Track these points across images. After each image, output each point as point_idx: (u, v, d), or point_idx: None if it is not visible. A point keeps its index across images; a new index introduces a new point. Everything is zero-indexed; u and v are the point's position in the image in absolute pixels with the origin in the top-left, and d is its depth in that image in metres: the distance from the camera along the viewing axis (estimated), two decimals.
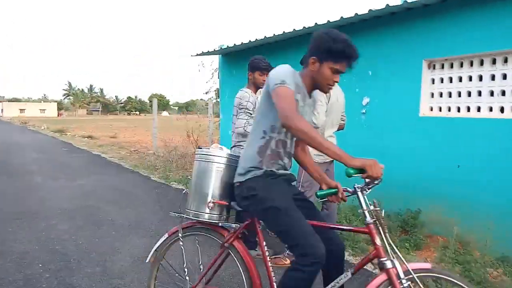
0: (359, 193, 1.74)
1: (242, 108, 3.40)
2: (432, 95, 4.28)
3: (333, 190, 1.88)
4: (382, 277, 1.62)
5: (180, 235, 2.02)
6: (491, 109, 3.80)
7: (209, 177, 1.95)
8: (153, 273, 2.09)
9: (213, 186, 1.97)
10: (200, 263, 2.08)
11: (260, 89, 3.56)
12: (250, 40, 6.18)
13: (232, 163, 1.99)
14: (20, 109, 74.94)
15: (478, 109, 3.90)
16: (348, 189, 1.86)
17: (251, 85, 3.53)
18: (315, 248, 1.63)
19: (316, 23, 4.99)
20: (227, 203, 1.99)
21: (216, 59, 9.83)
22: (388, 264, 1.61)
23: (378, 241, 1.66)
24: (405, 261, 1.64)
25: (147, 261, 2.06)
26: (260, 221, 1.91)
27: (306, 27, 5.13)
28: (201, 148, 2.07)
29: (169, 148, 9.77)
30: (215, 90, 11.99)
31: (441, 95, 4.21)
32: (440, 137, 4.06)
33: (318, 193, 1.87)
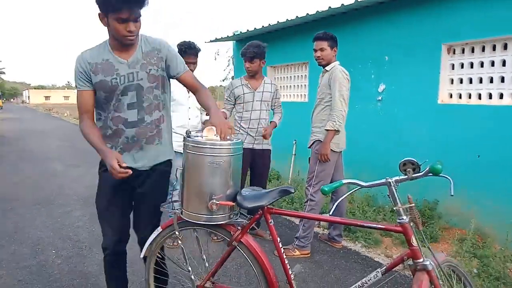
0: (393, 188, 1.60)
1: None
2: (452, 81, 4.07)
3: (340, 183, 1.75)
4: (426, 279, 1.53)
5: (177, 233, 1.84)
6: None
7: (207, 174, 1.69)
8: (150, 265, 1.99)
9: (214, 184, 1.71)
10: (202, 254, 2.01)
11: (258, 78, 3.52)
12: (263, 26, 6.05)
13: (236, 152, 1.75)
14: (45, 96, 76.87)
15: (501, 96, 3.69)
16: (359, 182, 1.71)
17: None
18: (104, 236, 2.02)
19: (329, 7, 4.81)
20: (234, 202, 1.76)
21: (231, 47, 9.73)
22: (430, 266, 1.53)
23: (414, 241, 1.55)
24: (436, 258, 1.59)
25: (141, 256, 1.97)
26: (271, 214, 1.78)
27: (320, 11, 4.96)
28: (189, 135, 1.74)
29: None
30: (231, 77, 11.92)
31: (461, 81, 4.01)
32: (459, 125, 3.88)
33: (325, 189, 1.72)
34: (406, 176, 1.58)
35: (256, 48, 3.38)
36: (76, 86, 1.83)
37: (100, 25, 1.77)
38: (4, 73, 75.14)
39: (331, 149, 3.20)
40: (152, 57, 1.86)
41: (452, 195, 1.49)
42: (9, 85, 79.63)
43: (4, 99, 65.11)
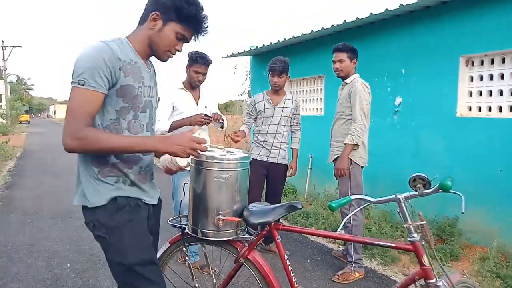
0: (403, 205, 1.54)
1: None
2: (471, 94, 3.97)
3: (348, 199, 1.71)
4: None
5: (184, 249, 1.82)
6: None
7: (213, 188, 1.66)
8: None
9: (220, 199, 1.67)
10: (210, 270, 2.00)
11: (278, 92, 3.51)
12: (278, 40, 6.09)
13: (244, 167, 1.71)
14: None
15: None
16: (368, 198, 1.67)
17: None
18: None
19: (344, 21, 4.80)
20: (241, 218, 1.71)
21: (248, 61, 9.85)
22: (442, 286, 1.48)
23: (426, 261, 1.49)
24: (450, 278, 1.52)
25: None
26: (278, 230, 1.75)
27: (335, 25, 4.96)
28: None
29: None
30: (248, 92, 12.02)
31: (480, 93, 3.90)
32: (479, 139, 3.75)
33: (333, 205, 1.67)
34: (416, 192, 1.52)
35: (283, 63, 3.39)
36: (84, 83, 1.32)
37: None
38: (32, 89, 78.09)
39: (356, 163, 3.11)
40: (154, 76, 1.63)
41: (463, 213, 1.43)
42: (37, 101, 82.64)
43: (32, 114, 67.55)
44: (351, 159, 3.10)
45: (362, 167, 3.19)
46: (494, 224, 3.56)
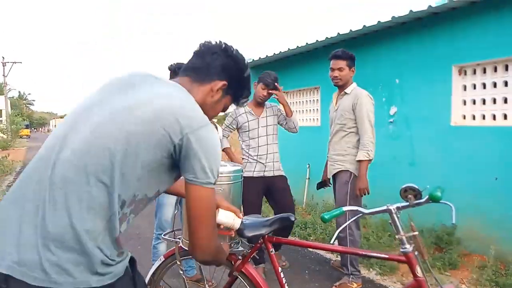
0: (394, 216, 1.55)
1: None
2: (465, 102, 4.01)
3: (341, 211, 1.73)
4: None
5: (178, 262, 1.80)
6: None
7: None
8: None
9: None
10: (205, 283, 2.01)
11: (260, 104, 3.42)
12: (274, 53, 6.17)
13: (236, 180, 1.73)
14: None
15: None
16: (360, 209, 1.71)
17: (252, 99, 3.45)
18: None
19: (338, 33, 4.87)
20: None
21: None
22: None
23: (419, 272, 1.49)
24: None
25: None
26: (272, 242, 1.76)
27: (329, 37, 5.03)
28: None
29: None
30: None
31: (474, 102, 3.94)
32: (474, 147, 3.78)
33: (325, 217, 1.70)
34: (408, 203, 1.54)
35: (275, 78, 3.35)
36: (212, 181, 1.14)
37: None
38: (33, 104, 78.37)
39: (356, 175, 3.03)
40: None
41: (453, 223, 1.44)
42: (38, 115, 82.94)
43: (33, 128, 67.68)
44: (351, 172, 3.06)
45: None
46: (492, 232, 3.57)
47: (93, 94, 1.19)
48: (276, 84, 3.32)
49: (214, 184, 1.14)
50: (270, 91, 3.34)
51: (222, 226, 1.54)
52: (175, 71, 2.86)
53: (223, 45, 1.29)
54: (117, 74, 1.26)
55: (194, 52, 1.31)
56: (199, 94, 1.25)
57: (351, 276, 3.10)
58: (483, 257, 3.58)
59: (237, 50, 1.32)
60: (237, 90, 1.33)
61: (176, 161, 1.11)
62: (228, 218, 1.54)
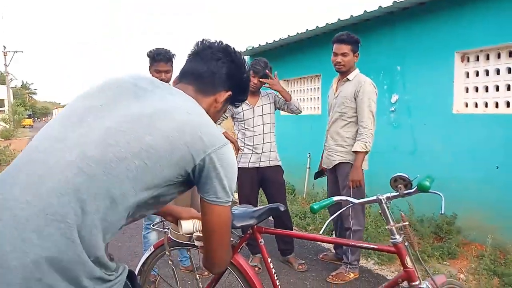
0: (384, 206, 1.51)
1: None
2: (467, 90, 3.92)
3: (331, 201, 1.69)
4: None
5: (167, 253, 1.78)
6: None
7: (193, 191, 1.71)
8: (144, 286, 1.96)
9: (198, 203, 1.67)
10: (196, 274, 1.97)
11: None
12: (274, 40, 6.07)
13: None
14: None
15: None
16: (350, 199, 1.68)
17: None
18: None
19: (339, 19, 4.77)
20: None
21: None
22: None
23: (409, 263, 1.47)
24: (435, 281, 1.48)
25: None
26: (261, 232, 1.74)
27: (329, 23, 4.93)
28: None
29: None
30: None
31: (476, 89, 3.85)
32: (476, 135, 3.71)
33: (314, 207, 1.66)
34: (398, 193, 1.50)
35: (265, 64, 3.20)
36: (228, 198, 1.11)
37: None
38: (35, 93, 78.46)
39: (363, 168, 2.94)
40: None
41: (442, 213, 1.40)
42: (40, 105, 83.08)
43: (36, 118, 67.91)
44: (352, 164, 2.96)
45: (363, 170, 3.03)
46: (492, 220, 3.52)
47: (93, 94, 1.09)
48: (267, 72, 3.20)
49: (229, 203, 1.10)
50: (261, 79, 3.22)
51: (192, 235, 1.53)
52: (154, 57, 2.80)
53: (225, 48, 1.24)
54: (115, 74, 1.18)
55: (194, 53, 1.25)
56: (203, 104, 1.19)
57: (348, 266, 3.07)
58: (482, 246, 3.54)
59: (237, 51, 1.27)
60: (237, 95, 1.29)
61: (189, 180, 1.06)
62: (195, 226, 1.54)
